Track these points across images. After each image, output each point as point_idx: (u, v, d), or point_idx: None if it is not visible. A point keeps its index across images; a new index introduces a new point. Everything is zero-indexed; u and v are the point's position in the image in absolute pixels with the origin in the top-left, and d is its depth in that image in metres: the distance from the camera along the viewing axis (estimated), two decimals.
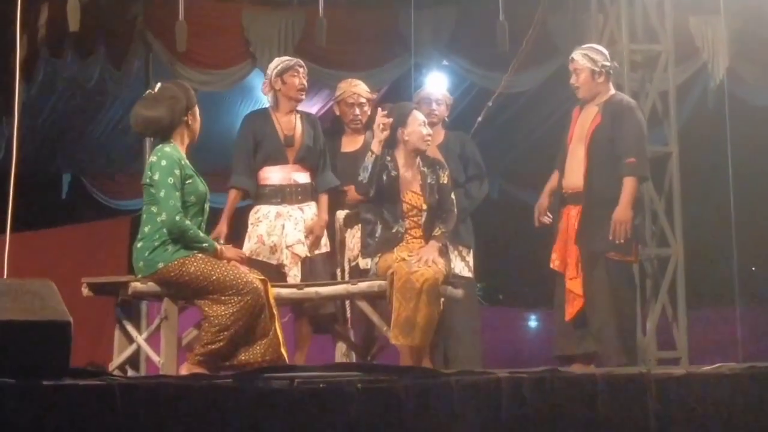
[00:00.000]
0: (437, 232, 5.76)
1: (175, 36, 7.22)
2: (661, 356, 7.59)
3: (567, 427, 4.19)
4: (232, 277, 4.92)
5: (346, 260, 6.17)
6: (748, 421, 4.50)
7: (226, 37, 8.15)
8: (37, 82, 8.13)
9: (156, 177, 4.96)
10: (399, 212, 5.78)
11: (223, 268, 4.94)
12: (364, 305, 5.65)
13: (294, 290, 5.60)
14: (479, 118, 7.60)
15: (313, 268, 5.92)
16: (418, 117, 5.87)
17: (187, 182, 5.00)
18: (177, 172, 4.96)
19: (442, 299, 5.64)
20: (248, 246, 5.91)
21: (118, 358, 5.31)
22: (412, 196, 5.81)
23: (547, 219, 6.10)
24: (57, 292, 4.02)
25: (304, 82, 6.05)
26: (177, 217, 4.92)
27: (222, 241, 5.37)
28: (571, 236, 5.90)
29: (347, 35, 8.22)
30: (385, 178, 5.78)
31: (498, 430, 4.07)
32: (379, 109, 5.90)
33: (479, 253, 6.61)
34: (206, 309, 4.93)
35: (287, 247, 5.88)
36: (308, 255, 5.91)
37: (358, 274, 5.96)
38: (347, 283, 5.73)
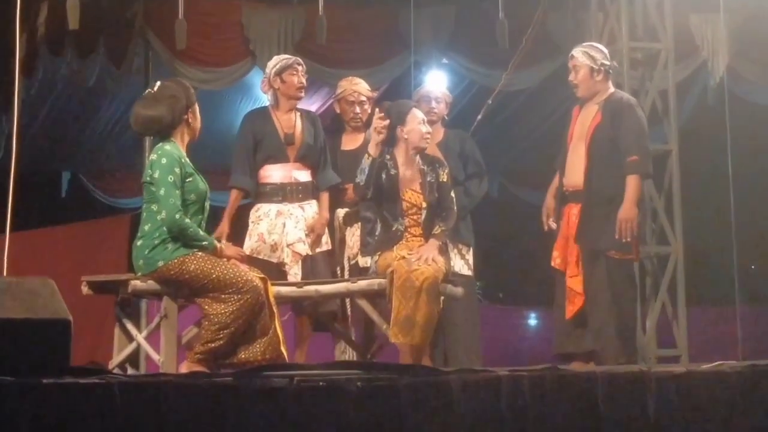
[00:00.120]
0: (437, 230, 5.75)
1: (174, 34, 7.23)
2: (661, 354, 7.59)
3: (567, 426, 4.18)
4: (232, 275, 4.92)
5: (345, 258, 6.16)
6: (748, 419, 4.50)
7: (226, 35, 8.16)
8: (36, 81, 8.14)
9: (156, 175, 4.96)
10: (399, 210, 5.77)
11: (223, 267, 4.94)
12: (363, 303, 5.64)
13: (294, 288, 5.60)
14: (479, 116, 7.58)
15: (314, 267, 5.92)
16: (417, 115, 5.86)
17: (187, 180, 5.00)
18: (177, 170, 4.95)
19: (442, 297, 5.63)
20: (249, 244, 5.90)
21: (118, 357, 5.31)
22: (412, 194, 5.80)
23: (554, 225, 6.07)
24: (57, 290, 4.03)
25: (303, 80, 6.05)
26: (177, 216, 4.91)
27: (223, 241, 5.37)
28: (571, 234, 5.90)
29: (347, 33, 8.23)
30: (384, 176, 5.78)
31: (498, 428, 4.06)
32: (376, 110, 5.90)
33: (479, 251, 6.60)
34: (206, 307, 4.93)
35: (288, 245, 5.88)
36: (309, 253, 5.91)
37: (358, 272, 5.95)
38: (347, 281, 5.72)
